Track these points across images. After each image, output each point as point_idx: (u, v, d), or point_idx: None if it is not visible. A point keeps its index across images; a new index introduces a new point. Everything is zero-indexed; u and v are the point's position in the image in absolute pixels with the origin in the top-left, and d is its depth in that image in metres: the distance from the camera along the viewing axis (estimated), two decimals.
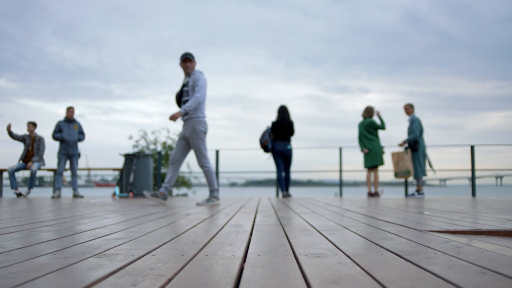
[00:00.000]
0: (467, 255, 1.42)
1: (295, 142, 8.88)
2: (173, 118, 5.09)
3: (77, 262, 1.29)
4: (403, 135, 8.39)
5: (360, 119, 8.69)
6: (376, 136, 8.44)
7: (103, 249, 1.55)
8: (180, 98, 5.36)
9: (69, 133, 8.61)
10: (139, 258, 1.37)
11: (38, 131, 9.03)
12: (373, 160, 8.33)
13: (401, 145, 8.23)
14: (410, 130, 8.20)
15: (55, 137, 8.60)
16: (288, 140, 8.26)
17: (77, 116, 8.98)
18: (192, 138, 5.23)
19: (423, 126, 8.22)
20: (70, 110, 8.74)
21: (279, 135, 8.21)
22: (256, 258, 1.38)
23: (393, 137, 9.04)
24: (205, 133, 5.28)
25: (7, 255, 1.43)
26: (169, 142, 11.45)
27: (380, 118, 8.44)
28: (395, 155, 8.27)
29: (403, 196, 9.05)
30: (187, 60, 5.30)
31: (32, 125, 8.94)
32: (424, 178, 8.26)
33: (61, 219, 3.06)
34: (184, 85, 5.34)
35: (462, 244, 1.70)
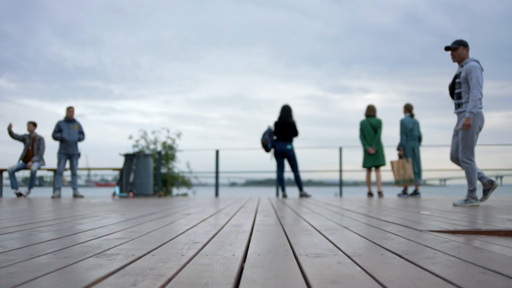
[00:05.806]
0: (467, 255, 1.42)
1: (295, 142, 8.90)
2: None
3: (77, 262, 1.29)
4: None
5: (358, 120, 8.62)
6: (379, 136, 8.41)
7: (103, 249, 1.55)
8: None
9: (69, 133, 8.60)
10: (139, 258, 1.37)
11: (38, 131, 9.03)
12: (377, 160, 8.29)
13: (400, 155, 8.17)
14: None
15: (55, 137, 8.59)
16: (288, 140, 8.24)
17: (77, 116, 8.98)
18: None
19: (409, 127, 8.05)
20: (70, 110, 8.73)
21: (279, 135, 8.22)
22: (256, 258, 1.38)
23: (391, 137, 9.00)
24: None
25: (7, 255, 1.43)
26: (169, 142, 11.43)
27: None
28: (395, 163, 8.18)
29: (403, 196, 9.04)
30: None
31: (32, 125, 8.93)
32: (422, 178, 8.28)
33: (61, 219, 3.06)
34: None
35: (462, 244, 1.70)
